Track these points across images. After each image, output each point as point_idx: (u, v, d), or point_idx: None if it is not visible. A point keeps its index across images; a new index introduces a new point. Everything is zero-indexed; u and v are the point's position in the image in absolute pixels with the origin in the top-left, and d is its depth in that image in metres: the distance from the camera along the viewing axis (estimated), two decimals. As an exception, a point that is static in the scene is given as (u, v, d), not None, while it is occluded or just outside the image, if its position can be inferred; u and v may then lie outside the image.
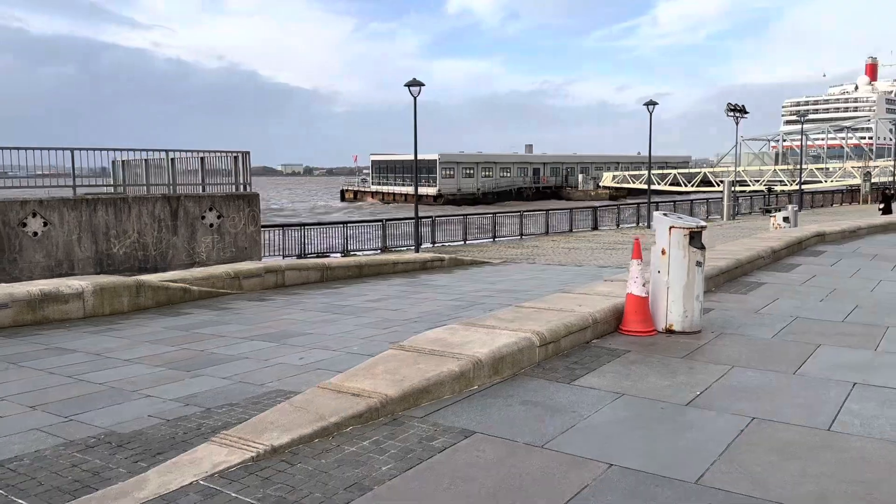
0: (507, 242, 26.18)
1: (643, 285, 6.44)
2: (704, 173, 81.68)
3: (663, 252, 6.49)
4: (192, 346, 6.32)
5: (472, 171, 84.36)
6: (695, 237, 6.47)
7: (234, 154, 15.06)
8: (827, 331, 6.53)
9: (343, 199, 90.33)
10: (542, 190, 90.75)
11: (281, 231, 20.94)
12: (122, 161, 18.50)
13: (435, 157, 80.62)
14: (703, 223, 6.54)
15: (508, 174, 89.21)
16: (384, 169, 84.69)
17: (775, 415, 4.27)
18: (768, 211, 21.25)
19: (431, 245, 24.65)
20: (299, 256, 20.81)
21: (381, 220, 24.25)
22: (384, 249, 23.34)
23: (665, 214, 6.66)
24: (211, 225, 14.05)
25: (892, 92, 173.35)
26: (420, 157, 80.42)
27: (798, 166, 53.09)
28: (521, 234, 27.79)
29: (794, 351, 5.80)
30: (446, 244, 25.14)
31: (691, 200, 39.44)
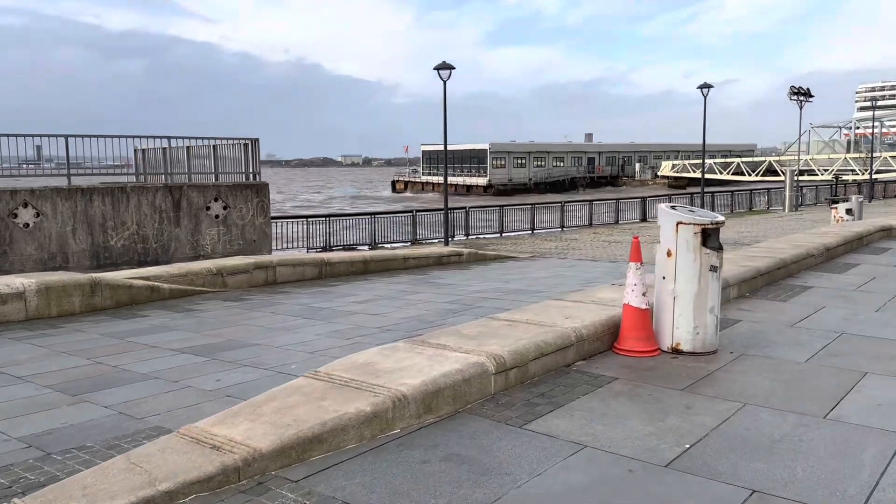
0: (546, 235, 24.87)
1: (643, 294, 5.26)
2: (769, 162, 77.82)
3: (669, 254, 5.30)
4: (109, 360, 5.47)
5: (523, 161, 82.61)
6: (709, 236, 5.25)
7: (245, 141, 14.35)
8: (879, 352, 5.22)
9: (394, 189, 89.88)
10: (596, 180, 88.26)
11: (305, 223, 20.22)
12: (143, 150, 18.09)
13: (485, 146, 79.23)
14: (720, 218, 5.30)
15: (562, 164, 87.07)
16: (434, 159, 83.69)
17: (786, 486, 3.09)
18: (835, 202, 19.40)
19: (465, 237, 23.57)
20: (324, 249, 20.06)
21: (411, 211, 23.30)
22: (414, 242, 22.41)
23: (673, 207, 5.45)
24: (217, 216, 13.36)
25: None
26: (470, 146, 79.58)
27: (870, 154, 49.65)
28: (562, 226, 26.43)
29: (830, 382, 4.54)
30: (481, 236, 24.00)
31: (751, 190, 37.07)
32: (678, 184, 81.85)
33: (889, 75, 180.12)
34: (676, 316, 5.25)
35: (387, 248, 20.63)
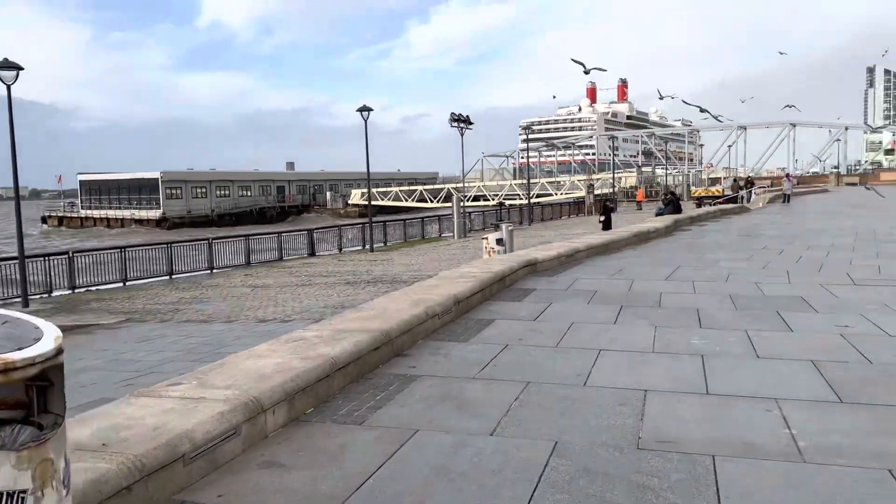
0: (187, 280, 20.51)
1: None
2: (448, 189, 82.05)
3: None
4: None
5: (204, 191, 75.82)
6: None
7: None
8: None
9: (46, 225, 76.06)
10: (287, 209, 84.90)
11: None
12: None
13: (156, 175, 70.95)
14: (32, 351, 1.95)
15: (249, 193, 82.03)
16: (96, 190, 72.73)
17: None
18: (498, 226, 18.17)
19: (70, 291, 18.15)
20: None
21: (-21, 262, 17.25)
22: (-13, 303, 16.42)
23: None
24: None
25: (608, 113, 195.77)
26: (139, 175, 70.84)
27: (533, 181, 53.95)
28: (211, 268, 22.26)
29: None
30: (94, 288, 18.76)
31: (422, 218, 36.79)
32: (368, 211, 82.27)
33: (547, 111, 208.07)
34: None
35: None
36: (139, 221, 69.16)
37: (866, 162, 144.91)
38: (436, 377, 5.23)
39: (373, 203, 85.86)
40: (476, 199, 78.15)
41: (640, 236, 15.74)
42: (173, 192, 71.45)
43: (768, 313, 7.37)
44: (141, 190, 71.21)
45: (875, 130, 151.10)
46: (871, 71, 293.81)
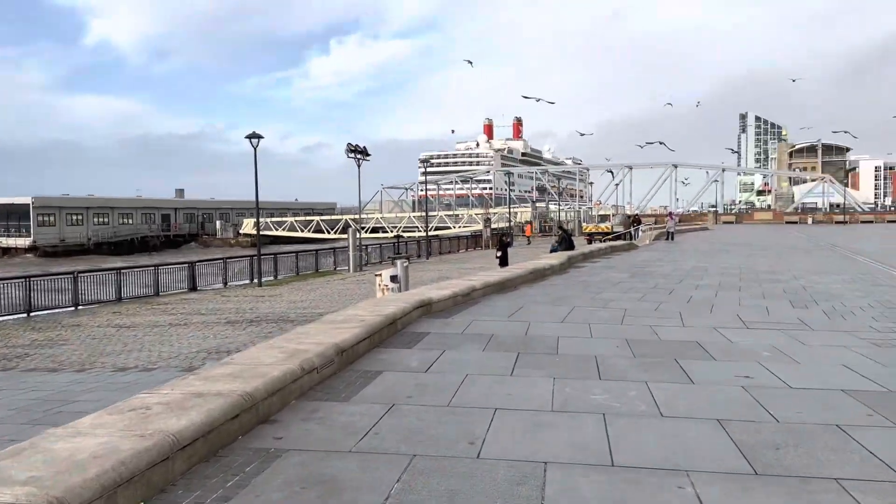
0: (47, 318, 18.48)
1: None
2: (346, 220, 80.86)
3: None
4: None
5: (80, 218, 70.87)
6: None
7: None
8: None
9: None
10: (173, 238, 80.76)
11: None
12: None
13: (27, 200, 65.71)
14: None
15: (130, 221, 77.43)
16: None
17: None
18: (396, 260, 17.46)
19: None
20: None
21: None
22: None
23: None
24: None
25: (504, 149, 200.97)
26: (7, 200, 65.50)
27: (432, 214, 53.83)
28: (76, 305, 20.25)
29: None
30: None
31: (317, 251, 35.54)
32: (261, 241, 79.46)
33: (447, 146, 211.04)
34: None
35: None
36: (6, 250, 63.63)
37: (741, 202, 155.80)
38: (305, 452, 4.44)
39: (267, 233, 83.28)
40: (375, 230, 77.48)
41: (537, 273, 15.53)
42: (46, 218, 66.25)
43: (667, 361, 7.07)
44: (10, 216, 65.59)
45: (748, 172, 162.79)
46: (743, 117, 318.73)
